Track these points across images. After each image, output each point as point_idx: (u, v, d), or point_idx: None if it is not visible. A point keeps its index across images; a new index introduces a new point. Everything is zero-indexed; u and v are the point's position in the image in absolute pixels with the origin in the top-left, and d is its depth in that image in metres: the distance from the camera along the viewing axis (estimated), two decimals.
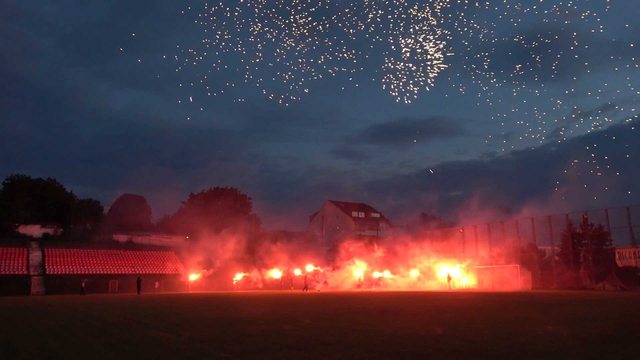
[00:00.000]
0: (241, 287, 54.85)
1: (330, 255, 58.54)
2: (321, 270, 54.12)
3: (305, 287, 46.64)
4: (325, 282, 52.69)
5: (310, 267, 52.86)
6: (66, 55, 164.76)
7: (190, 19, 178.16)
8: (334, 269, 54.63)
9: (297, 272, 52.50)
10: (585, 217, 43.45)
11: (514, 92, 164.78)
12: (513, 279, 44.27)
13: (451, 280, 47.23)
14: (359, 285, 51.59)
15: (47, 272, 51.02)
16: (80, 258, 55.67)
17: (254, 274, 55.46)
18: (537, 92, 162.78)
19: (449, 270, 48.57)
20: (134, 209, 73.55)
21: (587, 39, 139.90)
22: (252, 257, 57.51)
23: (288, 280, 55.09)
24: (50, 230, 61.70)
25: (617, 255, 39.60)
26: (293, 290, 45.52)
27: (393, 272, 53.02)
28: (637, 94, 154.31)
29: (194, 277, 55.96)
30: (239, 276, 55.68)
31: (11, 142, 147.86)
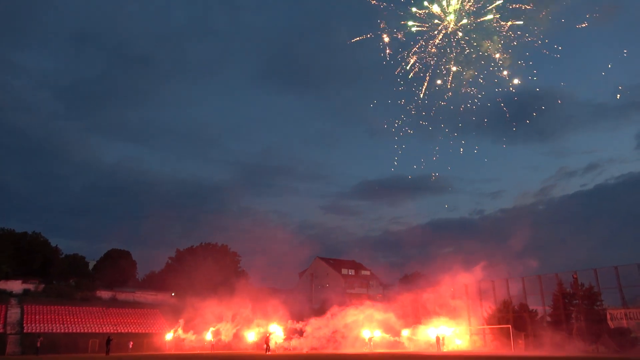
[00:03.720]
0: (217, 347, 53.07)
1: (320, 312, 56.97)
2: (279, 327, 51.95)
3: (267, 348, 45.00)
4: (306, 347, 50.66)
5: (273, 327, 51.28)
6: (60, 108, 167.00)
7: (184, 75, 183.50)
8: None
9: (278, 332, 50.90)
10: (575, 276, 43.26)
11: (502, 151, 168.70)
12: (505, 340, 43.33)
13: (441, 342, 46.10)
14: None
15: (24, 331, 49.06)
16: (60, 316, 53.82)
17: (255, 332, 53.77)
18: (524, 152, 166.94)
19: (439, 331, 47.51)
20: (120, 264, 72.12)
21: (571, 101, 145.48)
22: (239, 315, 55.96)
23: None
24: (31, 286, 59.92)
25: (608, 316, 39.14)
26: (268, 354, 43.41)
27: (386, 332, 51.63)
28: (620, 155, 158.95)
29: (169, 336, 54.34)
30: (208, 335, 54.08)
31: None
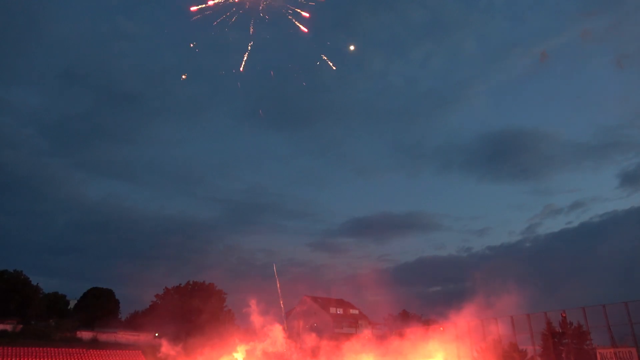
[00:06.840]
0: None
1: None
2: None
3: None
4: None
5: None
6: (45, 145, 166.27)
7: (171, 113, 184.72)
8: None
9: None
10: (564, 315, 43.12)
11: (488, 189, 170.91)
12: None
13: None
14: None
15: None
16: (38, 358, 51.81)
17: None
18: (510, 190, 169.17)
19: None
20: (102, 303, 70.29)
21: (553, 140, 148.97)
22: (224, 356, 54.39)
23: None
24: (9, 327, 57.88)
25: (598, 356, 38.85)
26: None
27: None
28: (603, 193, 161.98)
29: None
30: None
31: None
